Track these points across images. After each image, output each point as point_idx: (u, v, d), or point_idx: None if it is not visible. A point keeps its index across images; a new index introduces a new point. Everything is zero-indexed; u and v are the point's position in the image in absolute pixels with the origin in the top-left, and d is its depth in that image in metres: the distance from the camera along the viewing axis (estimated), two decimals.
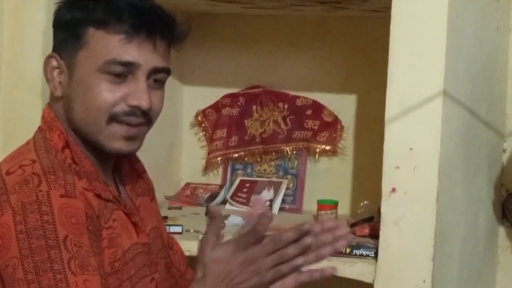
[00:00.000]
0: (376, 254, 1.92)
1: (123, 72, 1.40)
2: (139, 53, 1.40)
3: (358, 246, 1.96)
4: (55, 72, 1.44)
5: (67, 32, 1.42)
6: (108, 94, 1.39)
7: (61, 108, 1.44)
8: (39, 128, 1.48)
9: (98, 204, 1.38)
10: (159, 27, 1.42)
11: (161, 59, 1.43)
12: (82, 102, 1.41)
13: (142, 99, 1.40)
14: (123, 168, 1.57)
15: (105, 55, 1.39)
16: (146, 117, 1.43)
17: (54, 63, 1.43)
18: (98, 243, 1.34)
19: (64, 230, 1.27)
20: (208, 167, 2.82)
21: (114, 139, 1.42)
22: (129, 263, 1.43)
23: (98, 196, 1.39)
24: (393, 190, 1.87)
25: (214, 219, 1.43)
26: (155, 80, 1.44)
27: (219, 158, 2.80)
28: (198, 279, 1.37)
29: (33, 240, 1.26)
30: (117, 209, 1.43)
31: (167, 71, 1.46)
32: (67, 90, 1.42)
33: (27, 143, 1.45)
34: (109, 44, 1.40)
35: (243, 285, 1.33)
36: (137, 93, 1.40)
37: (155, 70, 1.43)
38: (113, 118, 1.40)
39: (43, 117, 1.48)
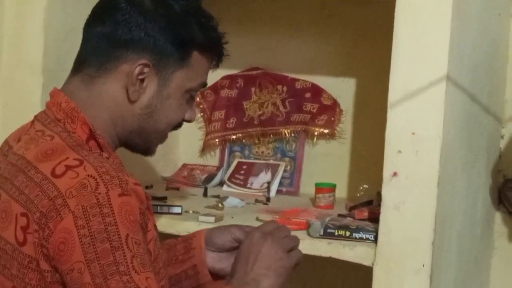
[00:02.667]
0: (375, 237, 1.92)
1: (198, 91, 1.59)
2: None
3: (358, 229, 1.96)
4: (139, 77, 1.47)
5: (172, 46, 1.48)
6: (183, 111, 1.55)
7: (113, 108, 1.48)
8: (53, 119, 1.46)
9: (146, 196, 1.41)
10: (224, 55, 1.59)
11: None
12: (165, 115, 1.51)
13: (195, 115, 1.60)
14: None
15: (200, 79, 1.54)
16: None
17: (144, 70, 1.47)
18: (145, 238, 1.37)
19: (125, 229, 1.30)
20: (205, 149, 2.82)
21: (158, 145, 1.59)
22: (161, 251, 1.49)
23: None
24: (395, 174, 1.87)
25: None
26: None
27: (216, 140, 2.79)
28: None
29: (97, 244, 1.28)
30: None
31: None
32: (151, 101, 1.49)
33: (50, 137, 1.42)
34: (205, 70, 1.55)
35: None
36: (193, 110, 1.58)
37: None
38: (170, 129, 1.57)
39: (58, 106, 1.47)
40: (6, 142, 1.53)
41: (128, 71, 1.46)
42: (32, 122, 1.50)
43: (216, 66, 1.59)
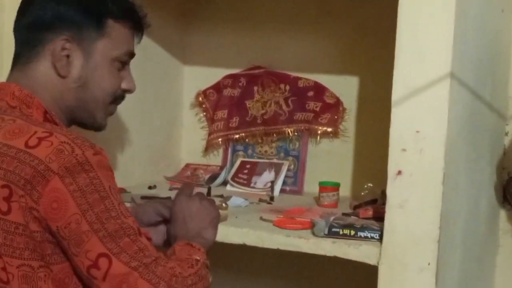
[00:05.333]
0: (381, 236, 1.91)
1: (127, 61, 1.70)
2: (135, 45, 1.73)
3: (362, 229, 1.96)
4: (63, 53, 1.60)
5: (85, 18, 1.62)
6: (117, 79, 1.68)
7: (51, 87, 1.61)
8: (7, 108, 1.58)
9: None
10: (145, 25, 1.75)
11: None
12: (98, 84, 1.65)
13: (133, 84, 1.73)
14: None
15: (124, 47, 1.68)
16: None
17: (66, 45, 1.61)
18: None
19: (106, 181, 1.47)
20: (208, 148, 2.81)
21: (106, 117, 1.71)
22: None
23: None
24: (399, 172, 1.86)
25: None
26: None
27: (219, 139, 2.79)
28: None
29: (88, 196, 1.43)
30: None
31: None
32: (81, 72, 1.62)
33: (12, 120, 1.54)
34: (126, 37, 1.68)
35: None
36: (130, 78, 1.72)
37: None
38: (113, 101, 1.71)
39: (11, 96, 1.59)
40: None
41: (52, 49, 1.61)
42: None
43: (138, 37, 1.74)
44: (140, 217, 1.76)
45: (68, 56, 1.61)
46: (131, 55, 1.72)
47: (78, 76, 1.62)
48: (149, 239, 1.52)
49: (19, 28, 1.67)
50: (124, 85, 1.72)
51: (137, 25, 1.72)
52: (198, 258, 1.57)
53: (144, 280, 1.43)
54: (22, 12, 1.67)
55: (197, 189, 1.86)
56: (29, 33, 1.63)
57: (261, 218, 2.15)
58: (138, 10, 1.72)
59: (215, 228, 1.74)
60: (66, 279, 1.48)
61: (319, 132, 2.67)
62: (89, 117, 1.68)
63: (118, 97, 1.72)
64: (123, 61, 1.69)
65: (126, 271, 1.42)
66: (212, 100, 2.81)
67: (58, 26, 1.61)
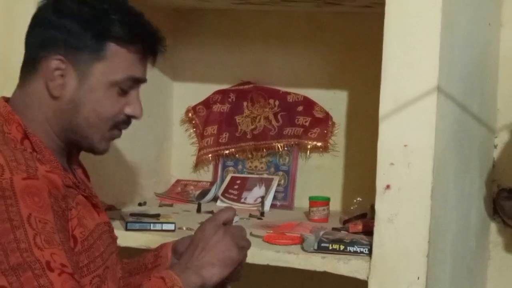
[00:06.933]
0: (370, 251, 1.91)
1: (132, 87, 1.57)
2: (145, 70, 1.59)
3: (352, 243, 1.96)
4: (57, 73, 1.52)
5: (84, 40, 1.52)
6: (115, 104, 1.56)
7: (44, 106, 1.53)
8: None
9: (63, 185, 1.47)
10: (159, 50, 1.59)
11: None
12: (93, 108, 1.54)
13: (138, 110, 1.59)
14: (72, 154, 1.67)
15: (124, 72, 1.55)
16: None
17: (60, 65, 1.52)
18: (62, 221, 1.45)
19: (27, 209, 1.37)
20: (198, 164, 2.81)
21: (107, 142, 1.59)
22: (97, 242, 1.56)
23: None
24: (388, 186, 1.86)
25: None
26: None
27: (209, 155, 2.79)
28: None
29: None
30: (77, 194, 1.54)
31: None
32: (74, 94, 1.53)
33: None
34: (129, 63, 1.55)
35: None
36: (135, 104, 1.58)
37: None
38: (114, 126, 1.58)
39: None
40: None
41: (46, 68, 1.53)
42: None
43: (151, 61, 1.59)
44: (179, 249, 1.71)
45: (62, 77, 1.52)
46: (137, 80, 1.58)
47: (71, 98, 1.53)
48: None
49: (25, 44, 1.59)
50: (127, 110, 1.58)
51: (149, 50, 1.58)
52: None
53: None
54: (28, 27, 1.59)
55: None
56: (30, 49, 1.56)
57: (251, 234, 2.14)
58: (152, 33, 1.58)
59: (225, 268, 1.57)
60: None
61: (308, 146, 2.67)
62: (84, 141, 1.57)
63: (120, 122, 1.59)
64: (125, 87, 1.56)
65: None
66: (201, 116, 2.81)
67: (54, 44, 1.52)
